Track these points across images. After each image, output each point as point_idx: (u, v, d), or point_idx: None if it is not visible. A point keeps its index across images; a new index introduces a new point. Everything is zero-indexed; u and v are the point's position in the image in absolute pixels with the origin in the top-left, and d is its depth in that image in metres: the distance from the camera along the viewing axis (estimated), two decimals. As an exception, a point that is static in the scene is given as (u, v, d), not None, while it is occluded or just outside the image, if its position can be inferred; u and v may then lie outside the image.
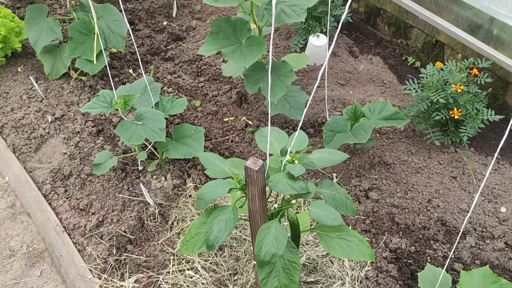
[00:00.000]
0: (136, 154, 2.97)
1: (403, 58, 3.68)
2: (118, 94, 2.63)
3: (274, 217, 1.96)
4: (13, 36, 3.51)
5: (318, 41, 3.51)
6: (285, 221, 2.62)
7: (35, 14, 3.41)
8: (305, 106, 3.05)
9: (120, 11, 3.63)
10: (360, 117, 2.85)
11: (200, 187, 2.91)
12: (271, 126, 3.23)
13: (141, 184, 2.74)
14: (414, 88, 2.99)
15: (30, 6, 3.44)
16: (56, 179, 2.95)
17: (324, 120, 3.27)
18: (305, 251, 2.58)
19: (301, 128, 3.23)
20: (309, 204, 2.42)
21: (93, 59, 3.32)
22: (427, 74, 2.98)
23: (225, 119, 3.32)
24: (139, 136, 2.51)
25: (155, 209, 2.78)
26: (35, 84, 3.33)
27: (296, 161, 1.88)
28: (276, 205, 1.93)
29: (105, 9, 3.46)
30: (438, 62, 2.94)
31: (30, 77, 3.41)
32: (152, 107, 2.74)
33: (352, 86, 3.53)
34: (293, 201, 1.92)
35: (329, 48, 3.49)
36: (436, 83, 2.91)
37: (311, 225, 2.51)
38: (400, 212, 2.78)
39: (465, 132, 2.87)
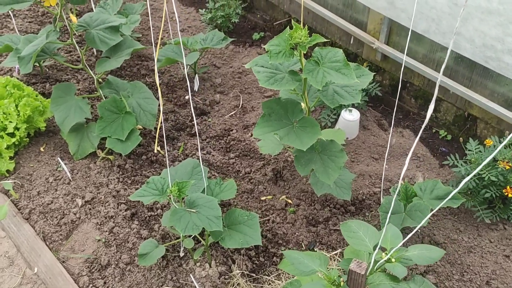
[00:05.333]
0: (177, 241, 2.82)
1: (433, 131, 3.67)
2: (163, 178, 2.52)
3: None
4: (37, 115, 3.37)
5: (351, 116, 3.48)
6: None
7: (63, 93, 3.29)
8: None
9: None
10: (412, 197, 2.78)
11: (247, 274, 2.76)
12: (311, 205, 3.14)
13: (191, 276, 2.58)
14: (462, 165, 2.95)
15: (57, 85, 3.32)
16: (93, 270, 2.76)
17: (364, 197, 3.19)
18: None
19: (342, 206, 3.15)
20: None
21: (124, 138, 3.21)
22: (473, 151, 2.96)
23: (262, 198, 3.20)
24: (194, 225, 2.37)
25: (204, 301, 2.60)
26: (64, 166, 3.17)
27: (393, 259, 1.77)
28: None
29: (135, 87, 3.38)
30: (488, 140, 2.93)
31: (58, 158, 3.25)
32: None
33: (386, 160, 3.48)
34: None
35: (359, 123, 3.47)
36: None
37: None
38: (461, 296, 2.67)
39: (517, 210, 2.83)
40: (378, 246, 1.64)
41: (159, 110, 3.73)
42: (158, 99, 3.69)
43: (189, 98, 3.95)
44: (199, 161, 2.70)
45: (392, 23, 3.54)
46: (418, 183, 2.83)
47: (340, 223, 2.22)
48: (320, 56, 2.45)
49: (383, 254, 1.78)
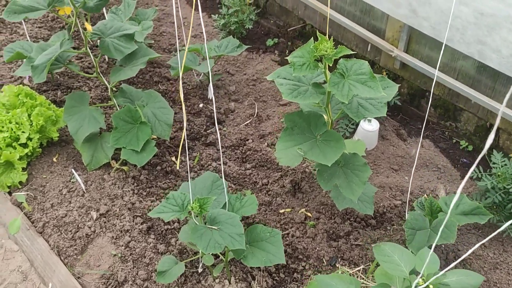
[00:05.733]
0: (196, 257, 2.75)
1: (454, 141, 3.59)
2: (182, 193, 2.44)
3: None
4: (49, 125, 3.30)
5: (370, 126, 3.40)
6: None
7: (76, 102, 3.22)
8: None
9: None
10: (437, 212, 2.70)
11: (268, 291, 2.69)
12: (331, 218, 3.06)
13: (212, 294, 2.50)
14: (487, 178, 2.87)
15: (70, 94, 3.25)
16: (109, 286, 2.68)
17: (385, 210, 3.11)
18: None
19: (362, 219, 3.07)
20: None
21: (139, 149, 3.14)
22: (498, 164, 2.88)
23: (281, 211, 3.13)
24: (217, 243, 2.29)
25: (225, 320, 2.53)
26: (77, 177, 3.09)
27: (431, 286, 1.69)
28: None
29: (150, 96, 3.31)
30: (515, 153, 2.85)
31: (72, 169, 3.17)
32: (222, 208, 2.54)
33: (406, 171, 3.40)
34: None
35: (378, 133, 3.38)
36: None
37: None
38: (488, 315, 2.59)
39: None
40: (420, 275, 1.56)
41: (174, 120, 3.66)
42: (172, 107, 3.63)
43: (203, 106, 3.88)
44: (220, 174, 2.62)
45: (411, 31, 3.46)
46: (443, 198, 2.74)
47: (372, 245, 2.14)
48: (345, 68, 2.37)
49: (420, 280, 1.71)
